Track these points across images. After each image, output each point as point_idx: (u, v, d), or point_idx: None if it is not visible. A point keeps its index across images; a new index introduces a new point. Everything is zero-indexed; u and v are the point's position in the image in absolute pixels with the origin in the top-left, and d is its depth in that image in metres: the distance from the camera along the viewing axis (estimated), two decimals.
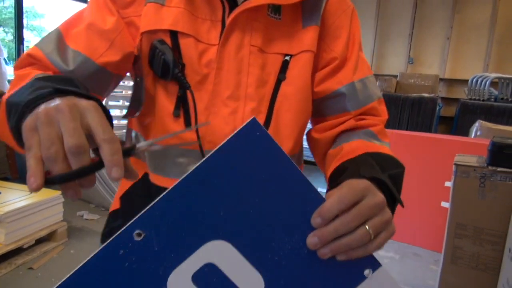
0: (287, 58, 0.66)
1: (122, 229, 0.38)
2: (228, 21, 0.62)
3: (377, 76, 5.34)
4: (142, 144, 0.43)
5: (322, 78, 0.69)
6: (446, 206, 1.83)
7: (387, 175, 0.54)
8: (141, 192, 0.70)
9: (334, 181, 0.58)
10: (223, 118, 0.64)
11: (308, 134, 0.76)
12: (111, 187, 2.86)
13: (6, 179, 2.91)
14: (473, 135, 2.62)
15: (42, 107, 0.39)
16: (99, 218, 2.78)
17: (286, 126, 0.67)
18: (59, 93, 0.42)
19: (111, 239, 0.37)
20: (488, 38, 4.98)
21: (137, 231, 0.38)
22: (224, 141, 0.39)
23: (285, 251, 0.42)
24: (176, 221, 0.39)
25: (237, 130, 0.39)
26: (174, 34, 0.63)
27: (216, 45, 0.63)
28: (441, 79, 5.18)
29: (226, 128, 0.63)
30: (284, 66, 0.66)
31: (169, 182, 0.64)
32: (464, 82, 4.79)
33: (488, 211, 1.35)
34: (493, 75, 4.31)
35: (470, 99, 4.39)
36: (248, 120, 0.40)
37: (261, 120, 0.65)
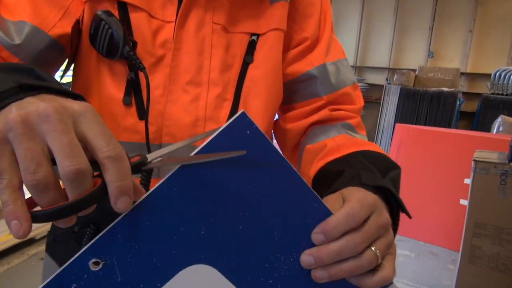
0: (254, 38, 0.59)
1: (74, 257, 0.30)
2: None
3: (394, 70, 5.23)
4: (155, 157, 0.33)
5: (291, 59, 0.63)
6: (464, 204, 1.76)
7: (389, 181, 0.49)
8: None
9: (324, 184, 0.52)
10: (183, 106, 0.55)
11: (275, 124, 0.69)
12: None
13: None
14: (495, 130, 2.52)
15: (14, 112, 0.28)
16: None
17: (255, 115, 0.59)
18: (26, 90, 0.32)
19: (60, 269, 0.30)
20: None
21: (93, 260, 0.31)
22: (207, 141, 0.32)
23: (280, 273, 0.35)
24: (144, 244, 0.31)
25: (222, 127, 0.33)
26: (123, 6, 0.54)
27: (173, 23, 0.55)
28: (462, 73, 5.04)
29: (186, 118, 0.55)
30: (251, 47, 0.59)
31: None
32: (487, 76, 4.66)
33: (509, 209, 1.30)
34: None
35: (493, 93, 4.25)
36: (237, 114, 0.33)
37: (227, 108, 0.58)
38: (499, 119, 2.52)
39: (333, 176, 0.50)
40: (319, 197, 0.36)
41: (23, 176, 0.27)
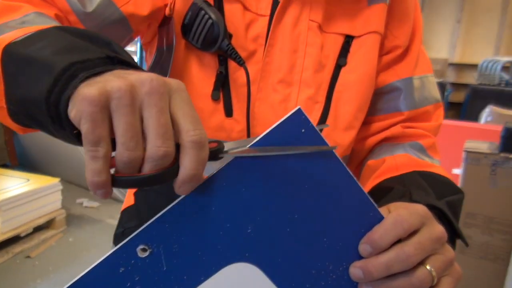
0: (348, 39, 0.56)
1: (124, 242, 0.31)
2: None
3: None
4: (232, 147, 0.32)
5: (379, 67, 0.59)
6: None
7: (444, 203, 0.45)
8: (160, 188, 0.60)
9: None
10: (271, 106, 0.52)
11: None
12: None
13: (5, 166, 2.89)
14: (483, 121, 2.54)
15: (118, 81, 0.27)
16: (99, 205, 2.75)
17: (345, 121, 0.56)
18: (115, 62, 0.31)
19: (110, 252, 0.31)
20: (500, 21, 4.84)
21: (141, 246, 0.31)
22: (259, 136, 0.31)
23: (328, 282, 0.33)
24: (191, 236, 0.31)
25: (276, 124, 0.31)
26: None
27: (266, 17, 0.52)
28: (450, 64, 5.07)
29: (274, 119, 0.51)
30: (345, 49, 0.55)
31: None
32: (474, 66, 4.69)
33: (499, 200, 1.30)
34: (505, 59, 4.20)
35: (480, 84, 4.28)
36: (293, 111, 0.31)
37: (318, 111, 0.54)
38: (487, 109, 2.54)
39: (382, 193, 0.47)
40: (376, 206, 0.33)
41: (119, 149, 0.27)
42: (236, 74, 0.52)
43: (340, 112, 0.56)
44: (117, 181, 0.28)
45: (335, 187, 0.33)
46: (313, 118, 0.54)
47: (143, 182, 0.28)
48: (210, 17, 0.48)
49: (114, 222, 1.59)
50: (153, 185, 0.29)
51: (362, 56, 0.56)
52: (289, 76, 0.53)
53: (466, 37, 5.11)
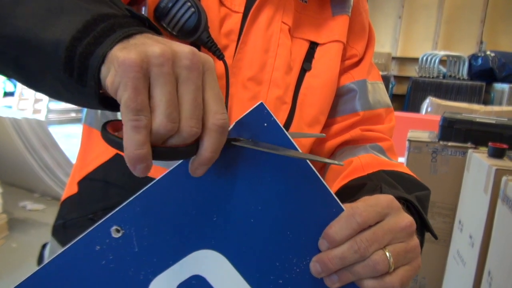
0: (313, 46, 0.58)
1: (99, 222, 0.33)
2: None
3: None
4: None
5: None
6: None
7: (414, 197, 0.46)
8: (112, 177, 0.56)
9: (346, 198, 0.50)
10: (241, 103, 0.52)
11: None
12: (56, 174, 2.69)
13: None
14: (424, 111, 2.69)
15: (161, 46, 0.25)
16: (45, 208, 2.61)
17: (307, 124, 0.57)
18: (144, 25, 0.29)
19: (87, 231, 0.33)
20: (437, 18, 5.13)
21: (115, 227, 0.33)
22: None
23: (292, 274, 0.34)
24: (160, 221, 0.33)
25: (240, 118, 0.32)
26: None
27: (240, 13, 0.52)
28: (393, 58, 5.30)
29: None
30: (310, 54, 0.57)
31: (156, 171, 0.51)
32: (415, 60, 4.94)
33: (439, 185, 1.38)
34: (442, 53, 4.46)
35: (421, 76, 4.52)
36: (255, 105, 0.32)
37: (285, 112, 0.55)
38: (427, 101, 2.68)
39: (354, 191, 0.48)
40: (338, 200, 0.33)
41: (161, 119, 0.25)
42: None
43: (304, 114, 0.57)
44: (159, 152, 0.27)
45: (299, 182, 0.33)
46: (280, 118, 0.55)
47: (181, 154, 0.28)
48: (192, 6, 0.46)
49: None
50: (179, 159, 0.30)
51: (326, 63, 0.58)
52: (259, 75, 0.53)
53: (407, 32, 5.36)
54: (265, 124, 0.32)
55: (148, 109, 0.26)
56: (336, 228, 0.32)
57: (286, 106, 0.56)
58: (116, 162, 0.55)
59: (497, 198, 1.01)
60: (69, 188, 0.61)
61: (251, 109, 0.32)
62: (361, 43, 0.63)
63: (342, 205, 0.34)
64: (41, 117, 4.29)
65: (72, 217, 0.58)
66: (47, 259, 0.60)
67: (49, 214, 2.52)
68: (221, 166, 0.32)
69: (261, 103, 0.32)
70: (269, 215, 0.33)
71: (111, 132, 0.27)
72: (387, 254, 0.32)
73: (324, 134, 0.34)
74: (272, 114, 0.32)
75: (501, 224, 0.98)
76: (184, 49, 0.27)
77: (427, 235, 0.49)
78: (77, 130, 4.61)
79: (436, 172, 1.39)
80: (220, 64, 0.50)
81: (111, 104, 0.30)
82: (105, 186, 0.57)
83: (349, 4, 0.60)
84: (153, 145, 0.27)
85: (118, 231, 0.33)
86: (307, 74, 0.57)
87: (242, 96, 0.53)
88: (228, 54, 0.52)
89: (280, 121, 0.55)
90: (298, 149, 0.32)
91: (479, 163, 1.16)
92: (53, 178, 2.70)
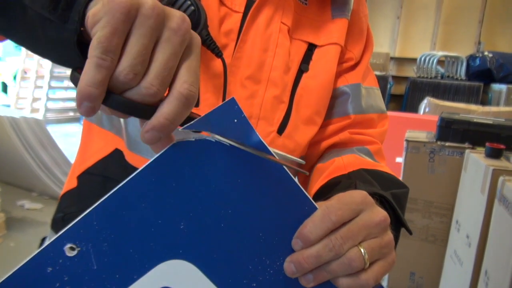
0: (312, 48, 0.58)
1: (51, 240, 0.29)
2: None
3: None
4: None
5: None
6: None
7: (389, 193, 0.47)
8: (110, 172, 0.57)
9: (321, 196, 0.50)
10: (239, 101, 0.50)
11: None
12: (54, 173, 2.68)
13: None
14: (422, 111, 2.69)
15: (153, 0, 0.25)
16: (43, 207, 2.61)
17: (302, 124, 0.58)
18: None
19: (36, 252, 0.29)
20: (435, 18, 5.14)
21: (69, 245, 0.29)
22: (188, 124, 0.30)
23: (265, 277, 0.33)
24: (121, 233, 0.30)
25: (209, 112, 0.30)
26: None
27: (240, 13, 0.53)
28: (391, 58, 5.31)
29: None
30: (308, 56, 0.58)
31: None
32: (413, 60, 4.94)
33: (437, 185, 1.39)
34: (440, 53, 4.47)
35: (419, 77, 4.53)
36: (227, 100, 0.31)
37: (282, 111, 0.56)
38: (425, 101, 2.69)
39: (330, 188, 0.49)
40: (311, 199, 0.33)
41: (125, 67, 0.25)
42: (206, 64, 0.52)
43: (299, 114, 0.58)
44: (112, 98, 0.26)
45: (269, 181, 0.32)
46: (277, 117, 0.55)
47: (136, 111, 0.27)
48: (192, 4, 0.46)
49: None
50: (135, 116, 0.28)
51: (323, 65, 0.59)
52: (258, 74, 0.54)
53: (405, 33, 5.37)
54: (235, 120, 0.31)
55: (117, 53, 0.25)
56: (311, 227, 0.32)
57: (284, 105, 0.56)
58: (115, 157, 0.56)
59: (494, 198, 1.01)
60: (69, 182, 0.62)
61: (221, 104, 0.31)
62: (358, 47, 0.64)
63: (316, 204, 0.33)
64: (39, 116, 4.28)
65: (71, 211, 0.59)
66: None
67: (47, 213, 2.52)
68: (186, 170, 0.31)
69: (233, 98, 0.31)
70: (240, 218, 0.32)
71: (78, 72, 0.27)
72: (362, 250, 0.32)
73: (303, 161, 0.34)
74: (242, 111, 0.31)
75: (498, 224, 0.99)
76: (176, 13, 0.27)
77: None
78: (75, 129, 4.60)
79: (434, 172, 1.39)
80: (218, 62, 0.51)
81: (84, 51, 0.29)
82: (103, 180, 0.58)
83: (349, 8, 0.61)
84: (111, 91, 0.26)
85: (73, 249, 0.30)
86: (304, 75, 0.58)
87: (240, 95, 0.53)
88: (227, 53, 0.52)
89: (277, 120, 0.55)
90: (268, 147, 0.31)
91: (476, 163, 1.16)
92: (51, 177, 2.70)
